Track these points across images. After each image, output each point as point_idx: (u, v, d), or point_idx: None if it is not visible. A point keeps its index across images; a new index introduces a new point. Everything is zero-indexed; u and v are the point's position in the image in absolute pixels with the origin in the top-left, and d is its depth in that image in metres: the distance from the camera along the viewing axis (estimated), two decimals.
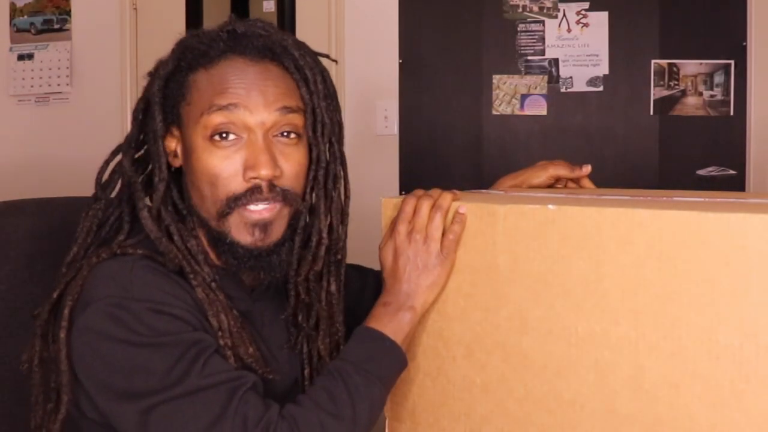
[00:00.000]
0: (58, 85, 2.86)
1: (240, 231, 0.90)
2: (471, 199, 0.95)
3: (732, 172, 2.39)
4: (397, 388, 0.98)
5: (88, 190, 1.00)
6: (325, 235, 0.95)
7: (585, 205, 0.83)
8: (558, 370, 0.84)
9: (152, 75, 0.94)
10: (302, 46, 0.95)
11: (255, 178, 0.88)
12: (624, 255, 0.78)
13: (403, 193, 2.49)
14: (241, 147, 0.89)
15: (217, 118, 0.88)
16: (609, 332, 0.80)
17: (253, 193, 0.89)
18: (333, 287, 1.00)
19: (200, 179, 0.90)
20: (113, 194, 0.98)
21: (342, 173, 0.99)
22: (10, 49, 2.89)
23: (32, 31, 2.87)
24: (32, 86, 2.87)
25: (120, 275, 0.87)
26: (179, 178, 0.96)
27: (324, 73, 0.96)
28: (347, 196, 1.01)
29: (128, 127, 0.99)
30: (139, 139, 0.95)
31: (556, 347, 0.84)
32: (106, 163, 0.97)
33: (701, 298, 0.73)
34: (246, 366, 0.89)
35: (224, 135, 0.89)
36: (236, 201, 0.89)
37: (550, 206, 0.83)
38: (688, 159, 2.41)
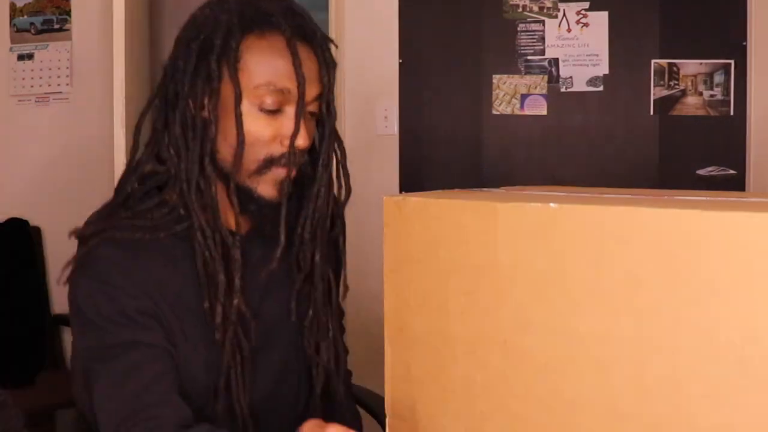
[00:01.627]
0: (58, 85, 2.85)
1: (268, 186, 1.00)
2: (471, 197, 0.95)
3: (732, 172, 2.39)
4: (397, 386, 0.98)
5: None
6: (324, 192, 1.04)
7: (587, 203, 0.83)
8: (559, 368, 0.84)
9: (203, 27, 0.97)
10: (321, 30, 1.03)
11: (293, 145, 0.98)
12: (625, 253, 0.78)
13: (403, 192, 2.49)
14: (282, 115, 0.98)
15: (272, 96, 0.97)
16: (610, 331, 0.79)
17: (290, 157, 0.98)
18: (318, 257, 1.05)
19: (238, 139, 0.96)
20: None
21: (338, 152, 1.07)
22: (10, 49, 2.89)
23: (32, 31, 2.87)
24: (32, 86, 2.87)
25: (98, 258, 0.96)
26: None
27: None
28: (346, 174, 1.08)
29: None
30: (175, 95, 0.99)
31: (557, 346, 0.83)
32: (138, 129, 1.02)
33: (703, 296, 0.73)
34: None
35: (275, 110, 0.98)
36: (273, 162, 0.99)
37: (552, 204, 0.83)
38: (688, 159, 2.41)
